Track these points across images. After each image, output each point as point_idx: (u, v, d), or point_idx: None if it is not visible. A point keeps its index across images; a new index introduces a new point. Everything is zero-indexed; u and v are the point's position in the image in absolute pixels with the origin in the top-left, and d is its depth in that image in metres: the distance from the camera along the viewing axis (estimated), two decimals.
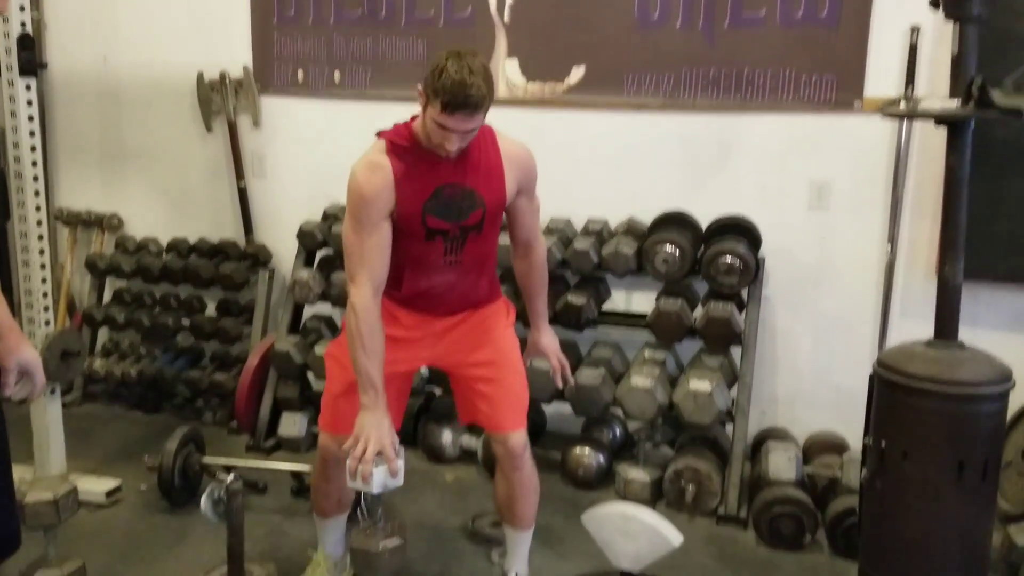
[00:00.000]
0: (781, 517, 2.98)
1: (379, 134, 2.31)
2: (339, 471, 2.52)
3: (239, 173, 4.14)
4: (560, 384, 2.64)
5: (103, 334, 4.40)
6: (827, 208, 3.48)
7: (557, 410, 3.73)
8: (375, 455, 2.19)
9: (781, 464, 3.12)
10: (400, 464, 2.26)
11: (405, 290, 2.40)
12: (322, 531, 2.71)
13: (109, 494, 3.27)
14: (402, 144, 2.26)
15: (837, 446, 3.36)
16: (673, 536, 2.47)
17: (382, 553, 2.35)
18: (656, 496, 3.34)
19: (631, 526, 2.48)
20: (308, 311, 3.97)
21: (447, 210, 2.29)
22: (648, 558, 2.50)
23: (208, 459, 3.33)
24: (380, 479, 2.22)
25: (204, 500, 2.51)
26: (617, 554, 2.53)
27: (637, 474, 3.36)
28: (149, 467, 3.29)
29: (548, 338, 2.64)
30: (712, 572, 2.87)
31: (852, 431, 3.23)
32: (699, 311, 3.47)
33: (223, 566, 2.57)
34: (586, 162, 3.73)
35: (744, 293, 3.44)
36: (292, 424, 3.75)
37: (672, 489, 3.26)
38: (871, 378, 2.55)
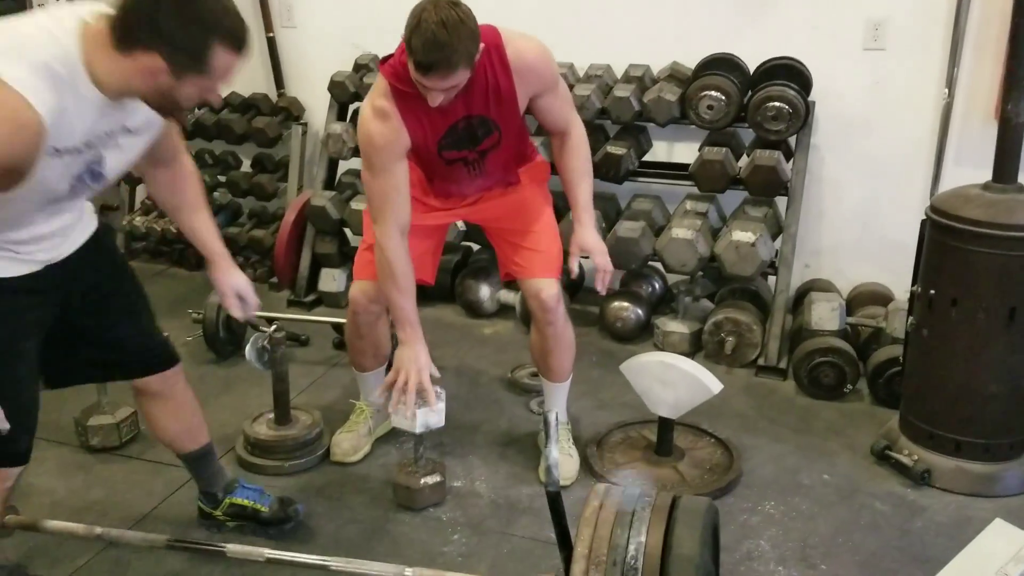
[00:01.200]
0: (822, 366, 2.96)
1: (381, 65, 2.21)
2: (370, 326, 2.59)
3: (267, 23, 4.00)
4: (601, 290, 2.38)
5: (141, 191, 4.40)
6: (883, 48, 3.28)
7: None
8: (416, 396, 2.26)
9: (824, 314, 3.07)
10: (440, 406, 2.32)
11: (435, 192, 2.46)
12: (362, 383, 2.77)
13: None
14: (404, 89, 2.14)
15: (882, 298, 3.30)
16: (712, 383, 2.46)
17: (423, 489, 2.41)
18: (695, 348, 3.34)
19: (670, 374, 2.47)
20: (343, 166, 3.92)
21: (461, 142, 2.27)
22: (687, 406, 2.51)
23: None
24: (422, 419, 2.29)
25: (248, 349, 2.55)
26: (656, 402, 2.54)
27: (676, 326, 3.34)
28: (195, 320, 3.35)
29: (591, 236, 2.37)
30: (751, 420, 2.88)
31: (898, 282, 3.15)
32: (744, 160, 3.35)
33: (269, 412, 2.64)
34: (626, 3, 3.53)
35: (792, 140, 3.31)
36: (331, 280, 3.78)
37: (711, 341, 3.25)
38: (923, 224, 2.46)
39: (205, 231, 2.04)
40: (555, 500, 1.67)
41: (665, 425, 2.59)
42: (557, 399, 2.61)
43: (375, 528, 2.33)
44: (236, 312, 2.11)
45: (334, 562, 1.85)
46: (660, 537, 1.59)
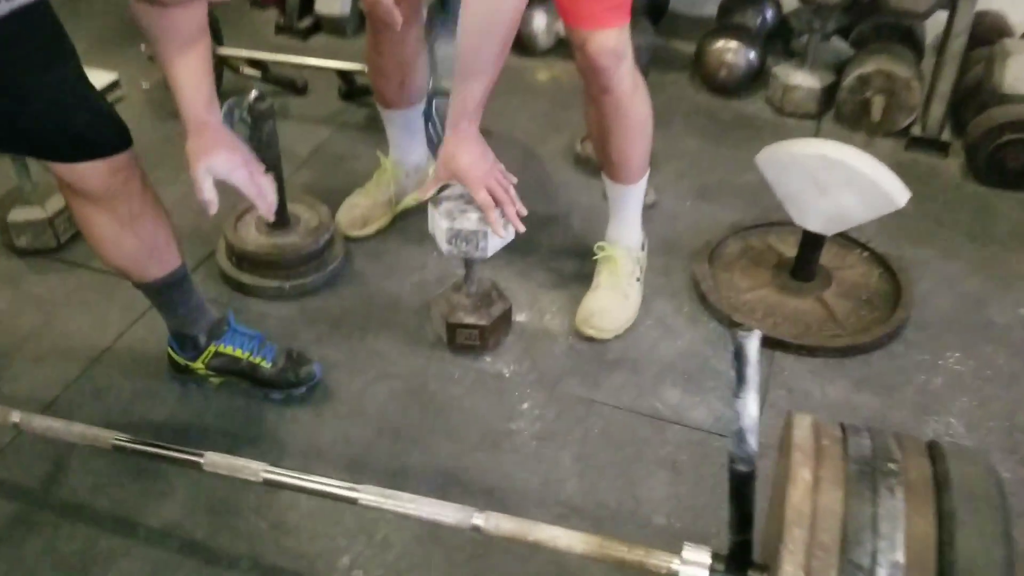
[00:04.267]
0: (1010, 146, 2.16)
1: None
2: (391, 41, 1.83)
3: None
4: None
5: None
6: None
7: None
8: (478, 214, 1.54)
9: (1021, 73, 2.22)
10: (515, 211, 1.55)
11: None
12: (388, 127, 2.04)
13: (106, 91, 2.51)
14: None
15: None
16: (898, 194, 1.69)
17: (480, 329, 1.72)
18: (823, 107, 2.51)
19: (836, 176, 1.69)
20: None
21: None
22: (852, 220, 1.76)
23: (227, 50, 2.50)
24: (494, 242, 1.56)
25: (223, 118, 1.74)
26: (804, 211, 1.78)
27: (802, 78, 2.48)
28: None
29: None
30: (909, 219, 2.10)
31: None
32: None
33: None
34: None
35: None
36: None
37: (851, 100, 2.41)
38: None
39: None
40: (743, 482, 0.98)
41: (812, 243, 1.85)
42: (624, 209, 1.85)
43: (413, 390, 1.68)
44: (211, 210, 1.35)
45: (366, 495, 1.21)
46: (929, 550, 0.93)
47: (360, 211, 2.02)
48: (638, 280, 1.85)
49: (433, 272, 1.95)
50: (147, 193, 1.44)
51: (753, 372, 0.92)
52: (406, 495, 1.20)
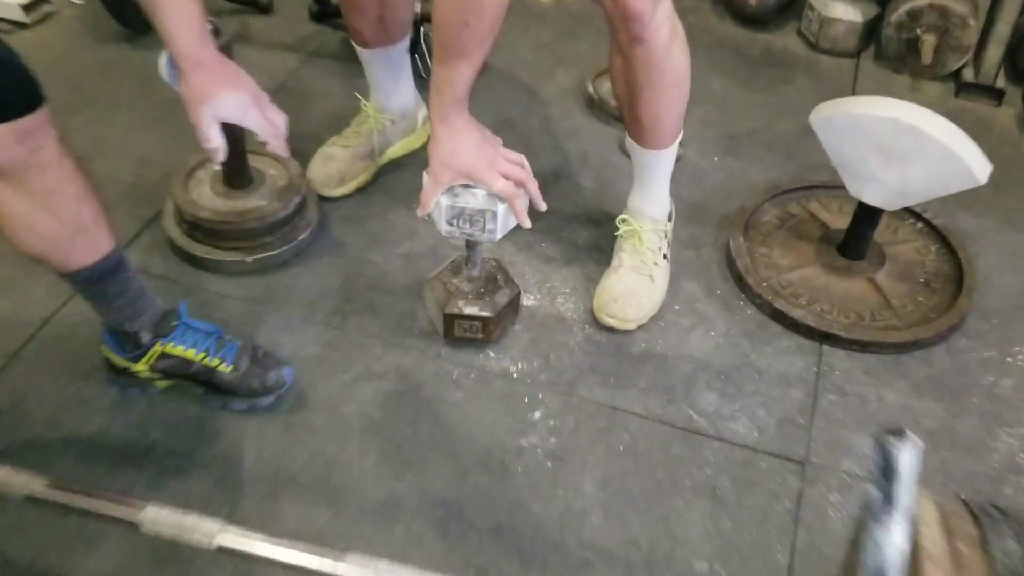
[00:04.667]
0: None
1: None
2: None
3: None
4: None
5: None
6: None
7: None
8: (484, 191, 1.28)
9: None
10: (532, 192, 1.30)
11: None
12: (368, 68, 1.73)
13: (29, 8, 2.14)
14: None
15: None
16: (979, 168, 1.42)
17: (483, 321, 1.45)
18: (863, 44, 2.21)
19: (908, 143, 1.42)
20: None
21: None
22: (921, 195, 1.50)
23: None
24: (504, 222, 1.30)
25: (161, 61, 1.41)
26: (864, 181, 1.51)
27: (842, 10, 2.17)
28: None
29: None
30: None
31: None
32: None
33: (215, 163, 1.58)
34: None
35: None
36: None
37: (896, 38, 2.11)
38: None
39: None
40: None
41: (868, 218, 1.59)
42: (652, 179, 1.56)
43: (403, 394, 1.41)
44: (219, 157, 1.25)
45: (352, 568, 0.96)
46: None
47: (337, 165, 1.72)
48: (665, 258, 1.59)
49: (426, 240, 1.66)
50: (66, 161, 1.13)
51: (905, 493, 0.67)
52: (403, 570, 0.96)
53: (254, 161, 1.61)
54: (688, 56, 1.42)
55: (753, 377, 1.47)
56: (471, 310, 1.42)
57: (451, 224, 1.30)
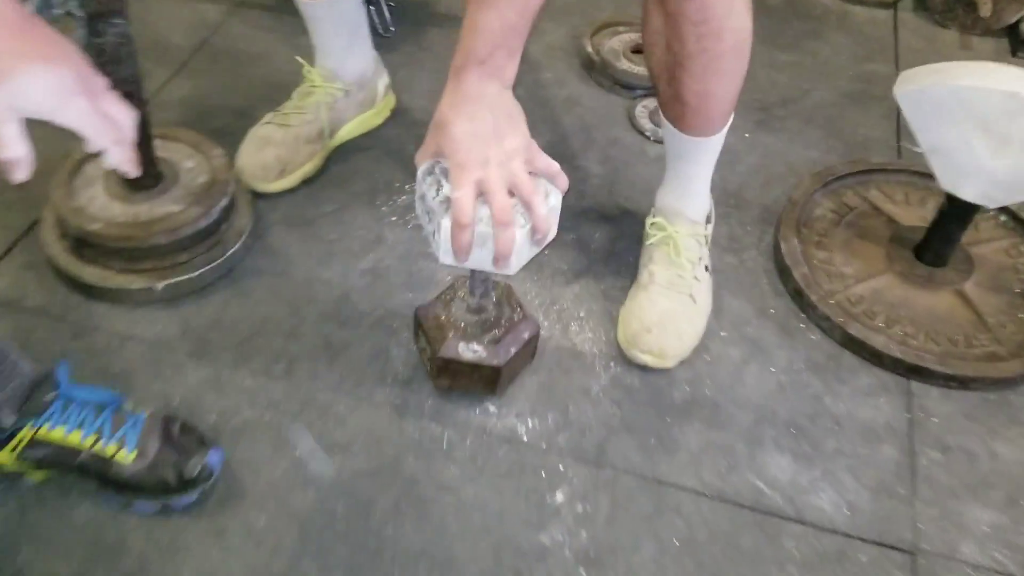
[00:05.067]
0: None
1: None
2: None
3: None
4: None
5: None
6: None
7: None
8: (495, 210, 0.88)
9: None
10: (556, 200, 0.92)
11: None
12: (311, 23, 1.33)
13: None
14: None
15: None
16: None
17: (489, 371, 1.07)
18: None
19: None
20: None
21: None
22: None
23: None
24: (525, 250, 0.90)
25: (36, 5, 0.99)
26: (960, 170, 1.18)
27: None
28: None
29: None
30: None
31: None
32: None
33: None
34: None
35: None
36: None
37: None
38: None
39: None
40: None
41: (960, 216, 1.25)
42: (694, 172, 1.21)
43: (377, 472, 1.04)
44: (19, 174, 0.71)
45: None
46: None
47: (275, 151, 1.31)
48: (707, 269, 1.23)
49: (396, 249, 1.28)
50: None
51: None
52: None
53: (163, 149, 1.21)
54: (751, 15, 1.05)
55: (832, 429, 1.13)
56: (473, 355, 1.05)
57: (459, 258, 0.92)
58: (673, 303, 1.17)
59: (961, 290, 1.29)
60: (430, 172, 0.90)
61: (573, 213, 1.36)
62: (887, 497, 1.07)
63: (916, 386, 1.20)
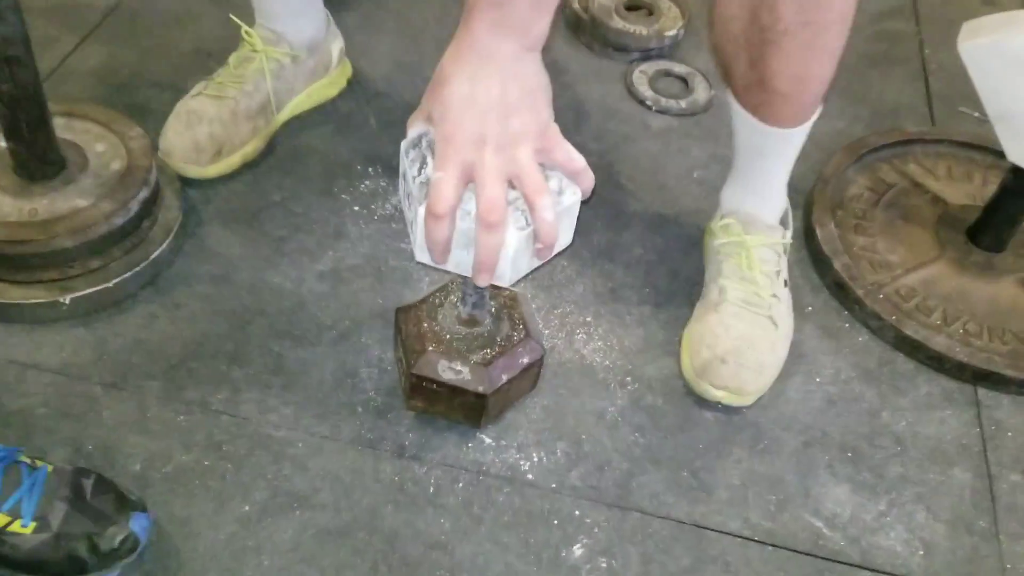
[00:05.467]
0: None
1: None
2: None
3: None
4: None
5: None
6: None
7: None
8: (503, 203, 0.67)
9: None
10: (571, 200, 0.71)
11: None
12: None
13: None
14: None
15: None
16: None
17: (504, 393, 0.87)
18: None
19: None
20: None
21: None
22: None
23: None
24: (522, 259, 0.70)
25: None
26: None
27: None
28: None
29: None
30: None
31: None
32: None
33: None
34: None
35: None
36: None
37: None
38: None
39: None
40: None
41: (1022, 194, 1.07)
42: (774, 168, 1.00)
43: (347, 531, 0.83)
44: None
45: None
46: None
47: (208, 128, 1.08)
48: (786, 285, 1.02)
49: (360, 245, 1.06)
50: None
51: None
52: None
53: (67, 130, 0.97)
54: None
55: (894, 451, 0.95)
56: (454, 376, 0.84)
57: (440, 260, 0.71)
58: (751, 327, 0.95)
59: None
60: (415, 145, 0.70)
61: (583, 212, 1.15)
62: (966, 533, 0.89)
63: (984, 394, 1.01)
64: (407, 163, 0.70)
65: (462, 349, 0.85)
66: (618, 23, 1.36)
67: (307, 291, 1.00)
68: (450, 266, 0.71)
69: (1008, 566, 0.87)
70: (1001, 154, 1.05)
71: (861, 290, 1.06)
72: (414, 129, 0.71)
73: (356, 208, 1.10)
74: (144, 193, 0.95)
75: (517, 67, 0.67)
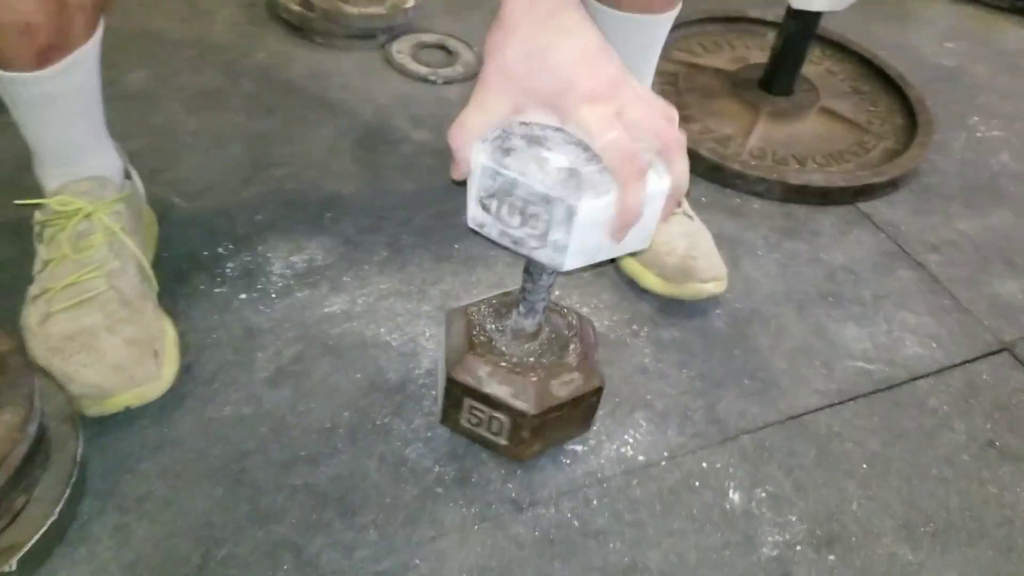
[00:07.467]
0: None
1: None
2: None
3: None
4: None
5: None
6: None
7: None
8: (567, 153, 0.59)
9: None
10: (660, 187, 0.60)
11: None
12: (31, 114, 0.78)
13: None
14: None
15: None
16: None
17: (552, 420, 0.74)
18: None
19: None
20: None
21: None
22: None
23: None
24: (587, 228, 0.59)
25: None
26: None
27: None
28: None
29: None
30: None
31: None
32: None
33: None
34: None
35: None
36: None
37: None
38: None
39: None
40: None
41: (804, 35, 1.20)
42: (641, 69, 0.96)
43: None
44: None
45: None
46: None
47: (112, 358, 0.74)
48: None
49: (282, 331, 0.86)
50: None
51: None
52: None
53: None
54: None
55: (854, 280, 1.03)
56: (498, 389, 0.72)
57: (485, 206, 0.60)
58: (683, 226, 0.95)
59: (825, 107, 1.26)
60: (504, 151, 0.57)
61: (441, 192, 1.05)
62: (944, 313, 1.01)
63: (864, 207, 1.14)
64: (514, 172, 0.57)
65: (511, 364, 0.73)
66: (352, 8, 1.24)
67: (270, 407, 0.79)
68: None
69: (985, 323, 1.00)
70: (732, 20, 1.17)
71: (736, 164, 1.12)
72: (484, 137, 0.58)
73: (243, 297, 0.89)
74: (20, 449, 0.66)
75: (578, 22, 0.58)
